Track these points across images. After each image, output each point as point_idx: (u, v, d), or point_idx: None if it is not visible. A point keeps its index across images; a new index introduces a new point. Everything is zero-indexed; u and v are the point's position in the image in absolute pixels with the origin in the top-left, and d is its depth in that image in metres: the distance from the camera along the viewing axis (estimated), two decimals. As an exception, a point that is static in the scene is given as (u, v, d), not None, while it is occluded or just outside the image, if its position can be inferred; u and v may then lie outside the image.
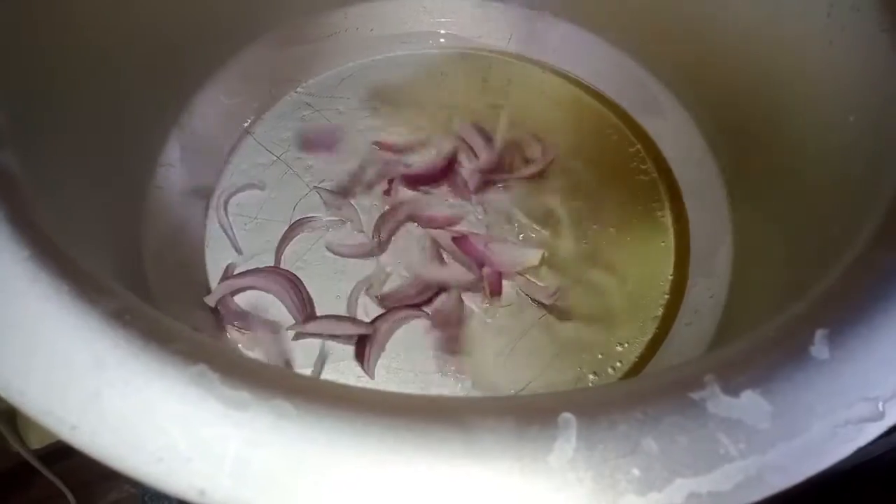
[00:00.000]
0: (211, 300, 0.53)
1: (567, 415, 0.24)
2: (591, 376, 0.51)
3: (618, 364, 0.52)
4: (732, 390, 0.25)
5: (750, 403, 0.25)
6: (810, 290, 0.29)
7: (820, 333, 0.26)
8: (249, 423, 0.24)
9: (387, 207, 0.57)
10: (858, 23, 0.41)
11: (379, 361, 0.52)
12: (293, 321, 0.53)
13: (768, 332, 0.27)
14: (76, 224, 0.45)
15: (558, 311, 0.54)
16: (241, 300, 0.54)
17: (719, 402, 0.25)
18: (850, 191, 0.38)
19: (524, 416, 0.24)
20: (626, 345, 0.53)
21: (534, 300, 0.53)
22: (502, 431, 0.24)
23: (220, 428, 0.23)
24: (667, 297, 0.55)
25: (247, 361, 0.25)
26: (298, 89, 0.66)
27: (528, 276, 0.54)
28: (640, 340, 0.53)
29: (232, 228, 0.57)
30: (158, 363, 0.25)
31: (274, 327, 0.53)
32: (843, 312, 0.27)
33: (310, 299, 0.54)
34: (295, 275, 0.55)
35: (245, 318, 0.53)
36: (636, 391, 0.25)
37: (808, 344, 0.26)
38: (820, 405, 0.25)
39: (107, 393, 0.24)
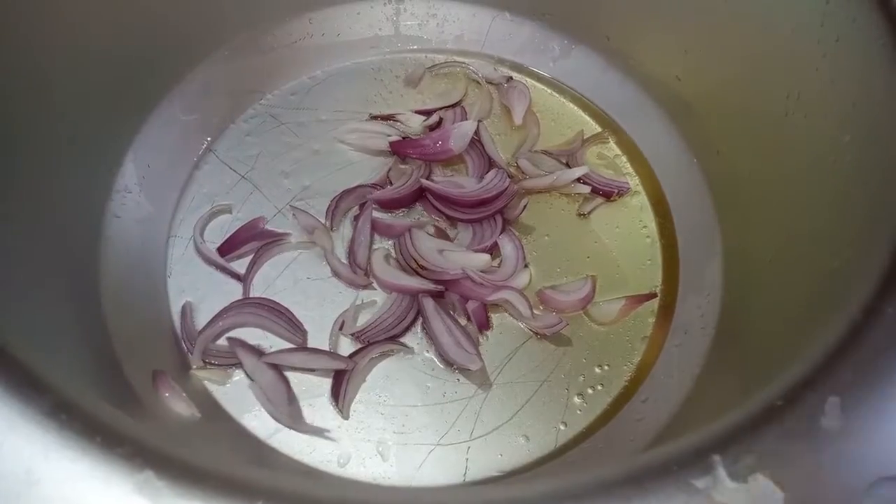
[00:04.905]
0: (195, 360, 0.50)
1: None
2: (576, 399, 0.50)
3: (599, 387, 0.50)
4: (740, 474, 0.23)
5: (759, 490, 0.22)
6: (815, 343, 0.27)
7: (831, 402, 0.24)
8: (204, 538, 0.21)
9: (352, 233, 0.55)
10: (854, 34, 0.38)
11: (357, 395, 0.49)
12: (275, 349, 0.50)
13: (775, 399, 0.25)
14: (21, 269, 0.42)
15: (545, 336, 0.51)
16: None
17: (725, 490, 0.22)
18: (848, 218, 0.36)
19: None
20: (608, 367, 0.51)
21: (535, 333, 0.51)
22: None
23: (170, 549, 0.21)
24: (655, 316, 0.53)
25: (198, 463, 0.23)
26: (262, 101, 0.62)
27: (509, 311, 0.52)
28: (631, 363, 0.51)
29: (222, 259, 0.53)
30: (99, 471, 0.22)
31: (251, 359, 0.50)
32: (852, 375, 0.25)
33: (298, 321, 0.51)
34: (273, 300, 0.52)
35: (223, 356, 0.50)
36: (633, 476, 0.23)
37: (818, 413, 0.24)
38: (835, 488, 0.22)
39: (40, 511, 0.21)
